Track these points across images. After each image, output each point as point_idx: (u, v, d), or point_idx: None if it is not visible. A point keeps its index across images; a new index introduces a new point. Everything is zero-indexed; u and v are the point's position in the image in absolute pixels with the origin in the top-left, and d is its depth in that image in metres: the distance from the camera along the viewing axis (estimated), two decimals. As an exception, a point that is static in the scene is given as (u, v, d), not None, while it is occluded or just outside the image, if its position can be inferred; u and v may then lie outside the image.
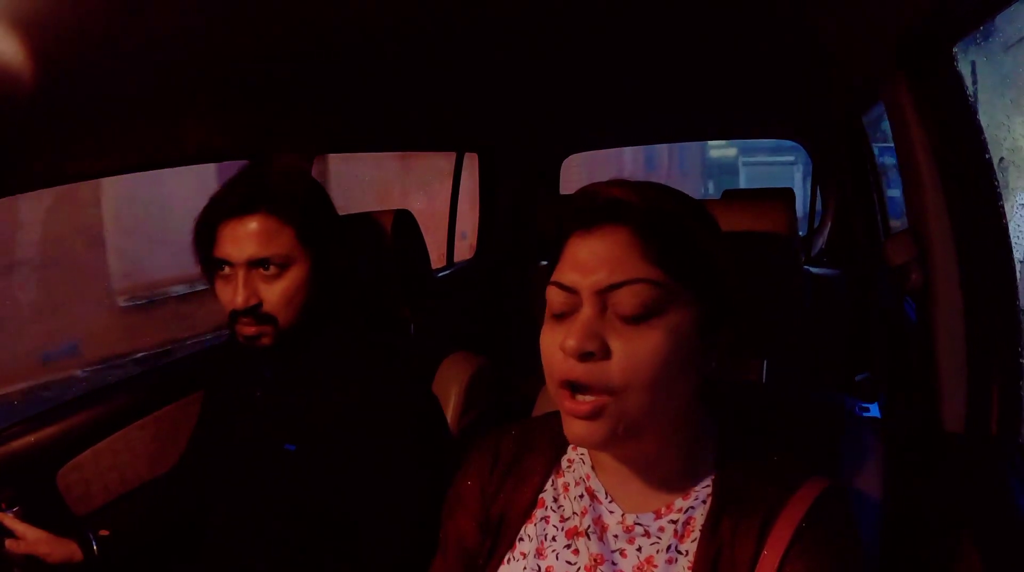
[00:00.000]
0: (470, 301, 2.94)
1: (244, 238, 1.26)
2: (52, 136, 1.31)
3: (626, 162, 13.25)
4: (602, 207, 0.81)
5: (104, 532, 1.34)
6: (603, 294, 0.77)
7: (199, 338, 6.11)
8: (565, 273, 0.80)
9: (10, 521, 1.27)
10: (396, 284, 1.56)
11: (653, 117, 2.99)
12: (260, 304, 1.26)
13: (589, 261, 0.79)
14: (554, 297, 0.80)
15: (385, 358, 1.36)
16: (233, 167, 1.35)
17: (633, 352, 0.75)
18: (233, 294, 1.26)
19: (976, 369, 1.12)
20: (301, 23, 1.19)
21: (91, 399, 1.61)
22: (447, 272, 2.99)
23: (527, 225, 3.16)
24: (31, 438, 1.45)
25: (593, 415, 0.76)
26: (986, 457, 1.11)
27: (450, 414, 1.53)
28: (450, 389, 1.55)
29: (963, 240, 1.14)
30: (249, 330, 1.28)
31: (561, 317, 0.80)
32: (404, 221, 1.59)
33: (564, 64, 1.73)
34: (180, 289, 6.24)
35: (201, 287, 6.10)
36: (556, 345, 0.77)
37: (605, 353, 0.75)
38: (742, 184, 19.88)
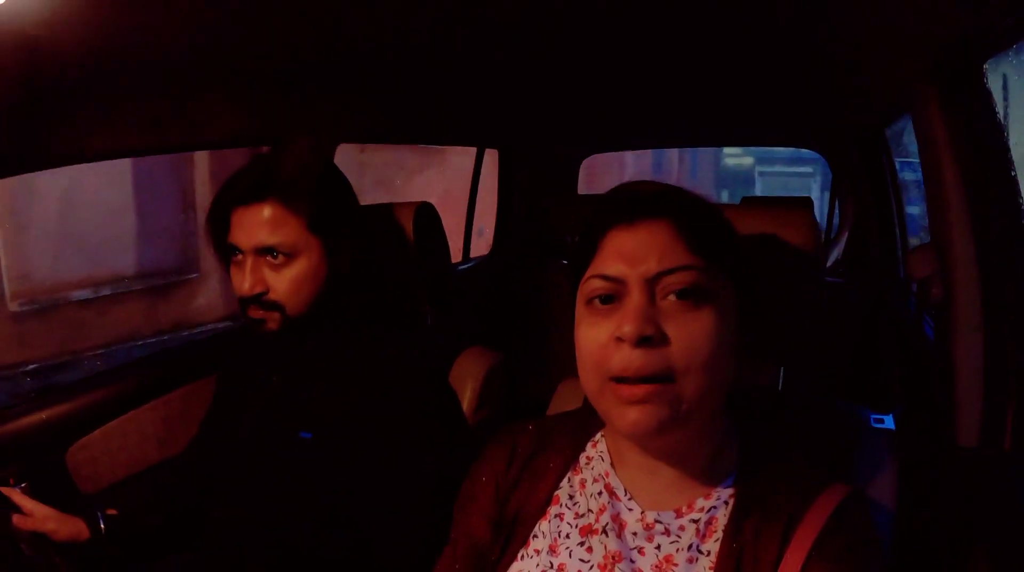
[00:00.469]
0: (485, 297, 2.94)
1: (252, 225, 1.25)
2: (76, 114, 1.31)
3: (628, 165, 12.76)
4: (643, 202, 0.83)
5: (112, 511, 1.33)
6: (653, 282, 0.78)
7: (101, 350, 5.50)
8: (609, 264, 0.81)
9: (18, 496, 1.26)
10: (416, 277, 1.55)
11: (675, 121, 2.99)
12: (266, 292, 1.26)
13: (636, 251, 0.80)
14: (596, 289, 0.81)
15: (402, 350, 1.36)
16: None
17: (690, 334, 0.76)
18: (241, 281, 1.27)
19: (993, 385, 1.12)
20: (329, 11, 1.19)
21: (103, 379, 1.61)
22: (463, 267, 2.99)
23: (545, 223, 3.15)
24: (42, 415, 1.45)
25: (652, 398, 0.75)
26: (1000, 473, 1.11)
27: (465, 409, 1.53)
28: (466, 383, 1.54)
29: (986, 256, 1.14)
30: (255, 314, 1.28)
31: (603, 310, 0.80)
32: (426, 214, 1.59)
33: (589, 65, 1.73)
34: (82, 294, 5.48)
35: (106, 292, 5.48)
36: (603, 337, 0.78)
37: (662, 338, 0.76)
38: (758, 194, 19.17)
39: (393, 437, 1.26)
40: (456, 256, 3.02)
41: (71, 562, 1.28)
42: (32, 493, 1.29)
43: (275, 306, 1.27)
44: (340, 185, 1.36)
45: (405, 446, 1.26)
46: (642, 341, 0.75)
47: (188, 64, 1.34)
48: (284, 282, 1.26)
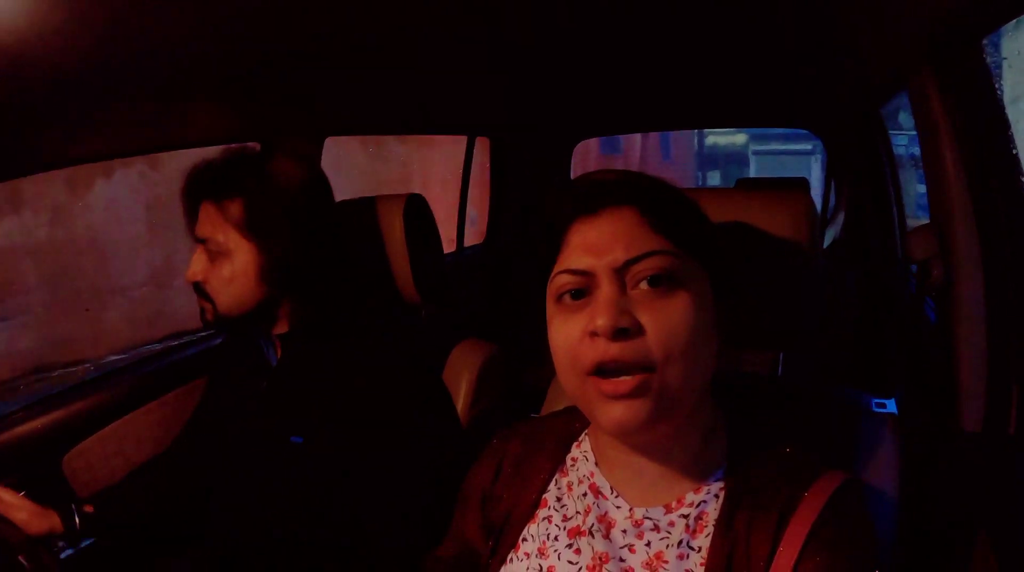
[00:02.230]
0: (480, 286, 2.93)
1: (200, 218, 1.31)
2: (58, 117, 1.29)
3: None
4: (605, 190, 0.81)
5: (89, 508, 1.32)
6: (622, 271, 0.76)
7: None
8: (575, 258, 0.79)
9: None
10: (407, 271, 1.53)
11: (666, 103, 2.96)
12: (203, 282, 1.30)
13: (601, 242, 0.78)
14: (564, 284, 0.78)
15: (393, 347, 1.35)
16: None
17: (666, 321, 0.74)
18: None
19: (997, 369, 1.10)
20: (312, 6, 1.17)
21: (96, 385, 1.59)
22: (457, 257, 2.97)
23: (538, 210, 3.11)
24: (37, 424, 1.44)
25: (636, 393, 0.73)
26: (1004, 457, 1.10)
27: (461, 403, 1.52)
28: (461, 378, 1.53)
29: (987, 236, 1.12)
30: (200, 301, 1.33)
31: (574, 305, 0.78)
32: (416, 206, 1.57)
33: (578, 48, 1.70)
34: None
35: None
36: (576, 333, 0.76)
37: (638, 329, 0.74)
38: (752, 174, 17.17)
39: (382, 438, 1.26)
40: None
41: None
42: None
43: (209, 297, 1.31)
44: (287, 188, 1.31)
45: (395, 446, 1.26)
46: (618, 333, 0.73)
47: (175, 64, 1.32)
48: (215, 277, 1.29)
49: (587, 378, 0.75)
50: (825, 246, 3.34)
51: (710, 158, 19.69)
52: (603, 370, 0.74)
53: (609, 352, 0.73)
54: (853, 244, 3.19)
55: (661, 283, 0.75)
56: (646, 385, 0.73)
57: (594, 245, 0.78)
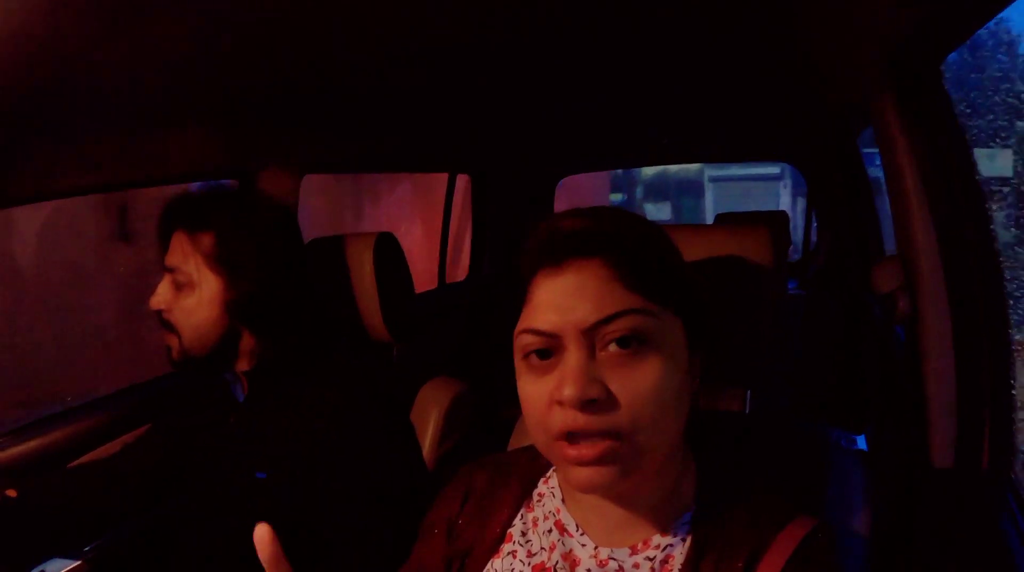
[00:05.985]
0: (461, 324, 2.91)
1: (171, 247, 1.32)
2: (35, 151, 1.28)
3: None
4: (568, 240, 0.77)
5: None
6: (590, 332, 0.72)
7: None
8: (540, 316, 0.74)
9: None
10: (377, 309, 1.52)
11: (646, 140, 2.98)
12: (166, 311, 1.30)
13: (567, 300, 0.74)
14: (529, 345, 0.74)
15: (360, 385, 1.34)
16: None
17: (636, 391, 0.71)
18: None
19: (966, 402, 1.08)
20: (293, 42, 1.16)
21: (55, 422, 1.56)
22: (438, 294, 2.96)
23: (521, 248, 3.12)
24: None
25: (603, 460, 0.71)
26: (976, 493, 1.07)
27: (429, 440, 1.50)
28: (429, 415, 1.51)
29: (952, 266, 1.11)
30: (166, 337, 1.31)
31: (541, 365, 0.74)
32: (386, 244, 1.56)
33: (558, 86, 1.71)
34: None
35: None
36: (544, 396, 0.73)
37: (608, 397, 0.70)
38: (709, 207, 15.33)
39: (344, 475, 1.25)
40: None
41: None
42: None
43: (173, 328, 1.30)
44: (260, 226, 1.33)
45: (356, 483, 1.25)
46: (586, 404, 0.70)
47: (153, 99, 1.32)
48: (178, 307, 1.30)
49: (554, 441, 0.73)
50: (808, 277, 3.34)
51: (657, 187, 16.62)
52: (571, 435, 0.71)
53: (577, 421, 0.70)
54: (833, 274, 3.19)
55: (631, 344, 0.72)
56: (614, 452, 0.71)
57: (559, 303, 0.74)
